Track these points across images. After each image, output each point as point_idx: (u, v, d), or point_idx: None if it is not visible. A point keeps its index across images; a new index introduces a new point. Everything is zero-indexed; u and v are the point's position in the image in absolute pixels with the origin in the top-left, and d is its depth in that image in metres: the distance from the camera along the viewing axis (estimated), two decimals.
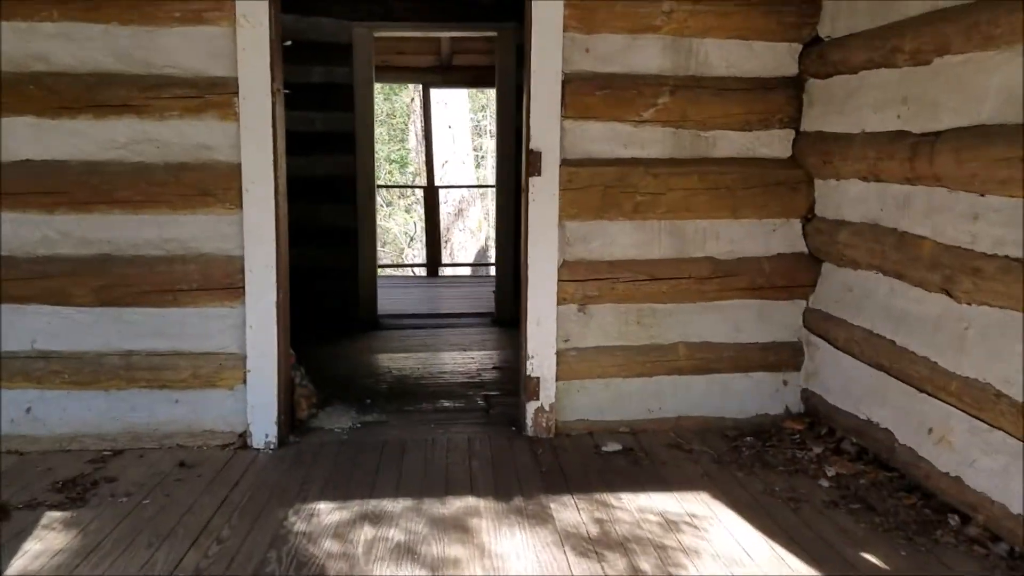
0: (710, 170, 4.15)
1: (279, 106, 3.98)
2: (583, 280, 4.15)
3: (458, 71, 10.44)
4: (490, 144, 19.51)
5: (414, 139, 18.32)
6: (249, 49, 3.84)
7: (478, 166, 18.45)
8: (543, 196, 4.07)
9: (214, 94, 3.86)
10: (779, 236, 4.24)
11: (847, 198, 3.96)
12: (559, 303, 4.14)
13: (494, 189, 7.83)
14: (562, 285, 4.14)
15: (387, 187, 18.23)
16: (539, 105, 4.04)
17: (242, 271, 3.95)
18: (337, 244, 7.33)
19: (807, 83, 4.17)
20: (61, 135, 3.82)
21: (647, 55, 4.06)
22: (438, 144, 13.29)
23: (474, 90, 16.82)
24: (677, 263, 4.19)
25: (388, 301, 8.39)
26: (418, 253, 17.00)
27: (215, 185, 3.91)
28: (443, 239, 13.81)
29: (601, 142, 4.10)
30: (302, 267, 7.20)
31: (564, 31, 3.99)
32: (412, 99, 16.51)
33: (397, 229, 18.86)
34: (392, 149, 21.07)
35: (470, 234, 14.92)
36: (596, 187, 4.10)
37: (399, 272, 13.86)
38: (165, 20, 3.79)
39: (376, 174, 7.44)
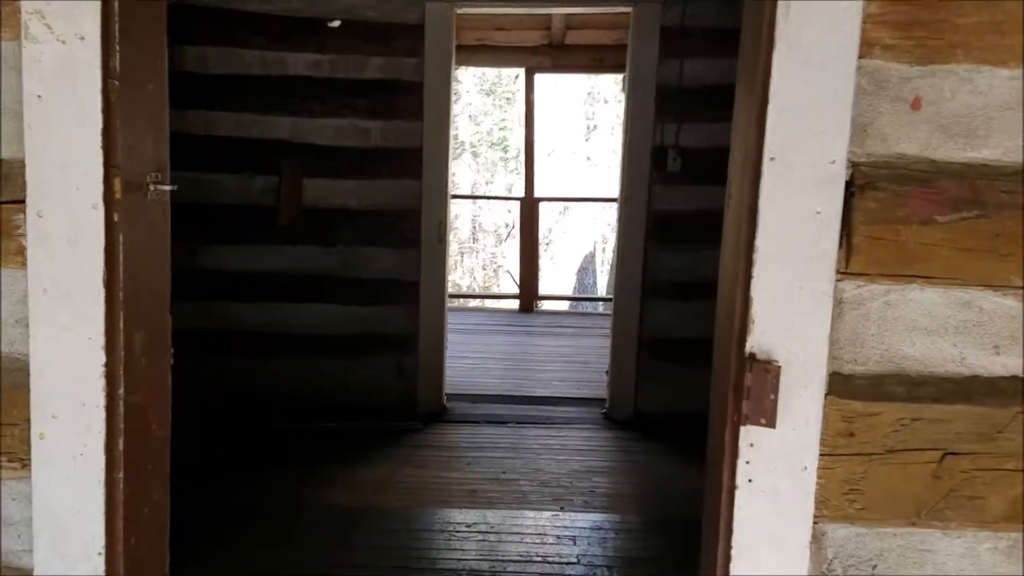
0: None
1: (136, 227, 1.61)
2: None
3: (572, 51, 8.29)
4: (598, 141, 17.00)
5: (518, 119, 16.00)
6: (51, 98, 1.49)
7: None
8: (778, 472, 1.59)
9: None
10: None
11: None
12: None
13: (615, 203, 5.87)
14: None
15: (476, 198, 15.83)
16: (775, 242, 1.55)
17: None
18: (391, 302, 5.49)
19: None
20: None
21: None
22: (541, 137, 10.84)
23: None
24: None
25: (461, 361, 6.26)
26: (499, 256, 14.58)
27: None
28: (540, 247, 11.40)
29: (937, 337, 1.59)
30: (342, 336, 5.27)
31: (863, 55, 1.52)
32: (517, 76, 14.18)
33: (487, 219, 16.39)
34: (495, 122, 18.71)
35: (572, 240, 12.46)
36: (918, 452, 1.62)
37: (478, 303, 11.56)
38: None
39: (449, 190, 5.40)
